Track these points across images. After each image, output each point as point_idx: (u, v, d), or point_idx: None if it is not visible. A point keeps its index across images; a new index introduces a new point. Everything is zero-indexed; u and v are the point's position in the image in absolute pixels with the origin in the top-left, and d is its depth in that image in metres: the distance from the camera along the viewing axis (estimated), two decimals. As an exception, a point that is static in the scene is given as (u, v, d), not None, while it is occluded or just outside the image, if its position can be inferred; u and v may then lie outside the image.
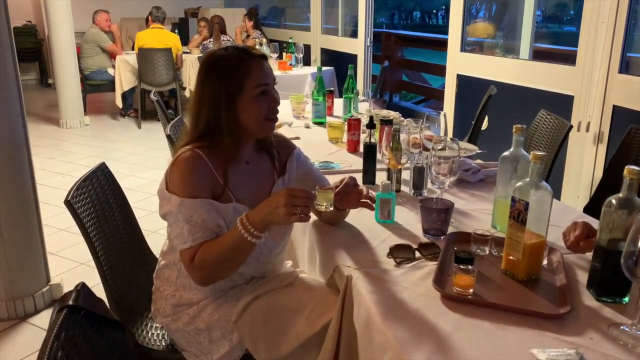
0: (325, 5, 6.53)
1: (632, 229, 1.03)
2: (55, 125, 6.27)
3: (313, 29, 6.68)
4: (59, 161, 5.01)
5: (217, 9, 8.69)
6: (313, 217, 1.55)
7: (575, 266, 1.36)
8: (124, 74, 6.23)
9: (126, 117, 6.74)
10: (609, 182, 2.05)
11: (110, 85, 6.51)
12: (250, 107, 1.39)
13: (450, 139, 1.68)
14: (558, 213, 1.54)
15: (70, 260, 3.06)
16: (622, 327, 1.08)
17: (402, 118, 2.71)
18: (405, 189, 1.90)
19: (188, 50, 6.47)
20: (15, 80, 2.43)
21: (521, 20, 4.14)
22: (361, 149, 2.25)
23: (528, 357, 0.99)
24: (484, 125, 3.30)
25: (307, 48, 6.38)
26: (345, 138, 2.47)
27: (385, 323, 1.10)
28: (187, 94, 6.20)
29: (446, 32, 4.17)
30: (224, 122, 1.38)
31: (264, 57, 1.45)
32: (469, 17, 4.10)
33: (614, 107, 2.75)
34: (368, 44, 5.56)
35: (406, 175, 1.90)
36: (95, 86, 6.58)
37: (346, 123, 2.45)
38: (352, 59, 5.66)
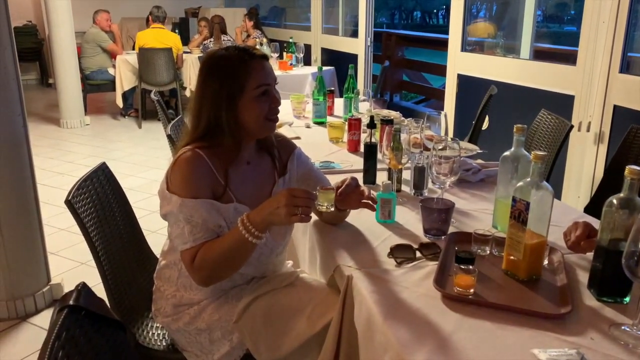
0: (325, 5, 6.53)
1: (633, 229, 1.03)
2: (56, 125, 6.28)
3: (313, 28, 6.68)
4: (59, 161, 5.01)
5: (217, 8, 8.69)
6: (314, 217, 1.55)
7: (576, 266, 1.36)
8: (124, 73, 6.23)
9: (127, 116, 6.74)
10: (610, 182, 2.05)
11: (110, 85, 6.51)
12: (251, 107, 1.39)
13: (451, 138, 1.68)
14: (559, 213, 1.54)
15: (71, 260, 3.07)
16: (623, 327, 1.08)
17: (402, 118, 2.71)
18: (405, 188, 1.90)
19: (189, 50, 6.47)
20: (15, 80, 2.43)
21: (522, 20, 4.14)
22: (362, 148, 2.25)
23: (529, 357, 0.99)
24: (485, 125, 3.30)
25: (308, 48, 6.37)
26: (345, 138, 2.47)
27: (385, 323, 1.10)
28: (187, 93, 6.20)
29: (447, 32, 4.17)
30: (224, 122, 1.38)
31: (265, 57, 1.44)
32: (469, 16, 4.10)
33: (615, 107, 2.75)
34: (368, 44, 5.56)
35: (407, 175, 1.90)
36: (95, 86, 6.58)
37: (347, 123, 2.45)
38: (352, 58, 5.66)
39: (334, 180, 1.59)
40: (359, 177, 1.84)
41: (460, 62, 4.04)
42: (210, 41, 6.33)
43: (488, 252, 1.41)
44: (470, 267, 1.22)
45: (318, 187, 1.37)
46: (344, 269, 1.35)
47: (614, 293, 1.18)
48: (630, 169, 1.12)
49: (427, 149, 1.78)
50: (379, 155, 1.98)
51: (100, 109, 7.25)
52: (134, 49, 6.68)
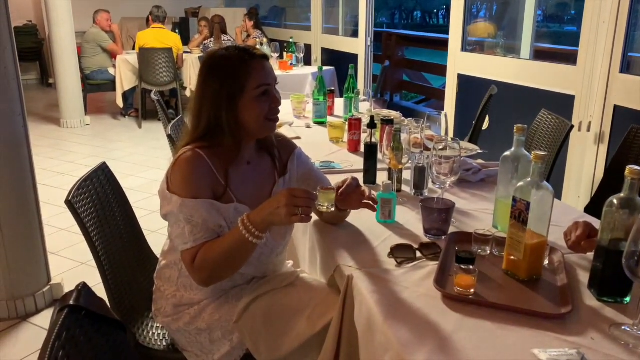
0: (325, 5, 6.53)
1: (634, 229, 1.03)
2: (56, 125, 6.28)
3: (314, 28, 6.68)
4: (59, 161, 5.01)
5: (217, 8, 8.69)
6: (314, 217, 1.55)
7: (577, 266, 1.36)
8: (124, 73, 6.23)
9: (127, 116, 6.74)
10: (610, 182, 2.05)
11: (111, 85, 6.51)
12: (251, 108, 1.39)
13: (451, 138, 1.68)
14: (559, 213, 1.54)
15: (71, 260, 3.07)
16: (623, 327, 1.08)
17: (403, 118, 2.71)
18: (406, 188, 1.90)
19: (189, 50, 6.47)
20: (15, 79, 2.43)
21: (522, 20, 4.14)
22: (362, 148, 2.25)
23: (529, 357, 0.99)
24: (485, 125, 3.30)
25: (308, 48, 6.37)
26: (346, 138, 2.47)
27: (386, 323, 1.10)
28: (187, 93, 6.20)
29: (447, 32, 4.17)
30: (225, 122, 1.38)
31: (266, 57, 1.44)
32: (469, 16, 4.10)
33: (615, 107, 2.75)
34: (369, 44, 5.56)
35: (407, 175, 1.90)
36: (95, 86, 6.58)
37: (347, 123, 2.45)
38: (352, 58, 5.66)
39: (334, 180, 1.59)
40: (359, 177, 1.84)
41: (461, 62, 4.04)
42: (210, 41, 6.33)
43: (488, 252, 1.41)
44: (471, 267, 1.21)
45: (318, 187, 1.37)
46: (344, 269, 1.34)
47: (615, 293, 1.18)
48: (630, 169, 1.12)
49: (427, 149, 1.78)
50: (379, 155, 1.98)
51: (101, 109, 7.26)
52: (134, 48, 6.68)
